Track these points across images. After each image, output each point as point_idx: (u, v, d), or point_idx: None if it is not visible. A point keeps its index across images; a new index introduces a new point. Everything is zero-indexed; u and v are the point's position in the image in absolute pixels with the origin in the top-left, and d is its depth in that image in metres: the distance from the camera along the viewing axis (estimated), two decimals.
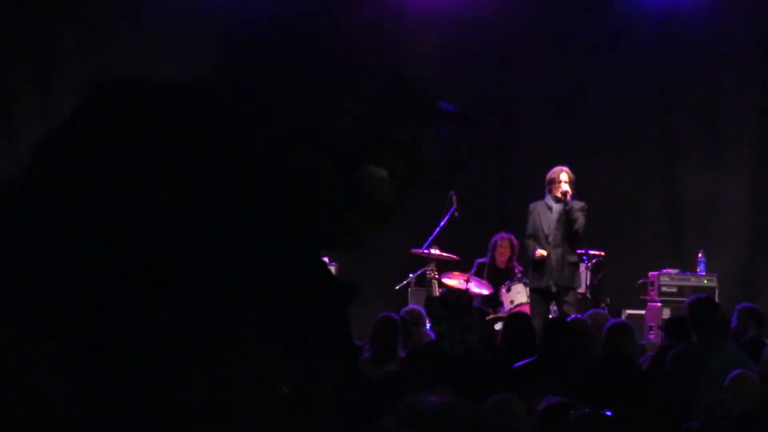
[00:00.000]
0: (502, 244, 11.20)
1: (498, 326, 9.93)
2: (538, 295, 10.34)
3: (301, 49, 1.28)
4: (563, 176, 10.31)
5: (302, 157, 1.26)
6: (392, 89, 1.28)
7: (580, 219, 10.24)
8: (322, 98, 1.26)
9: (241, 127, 1.27)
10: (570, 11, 13.01)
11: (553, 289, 10.19)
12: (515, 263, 11.18)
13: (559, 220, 10.27)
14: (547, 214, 10.41)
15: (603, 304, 10.89)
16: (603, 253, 11.26)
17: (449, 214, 11.44)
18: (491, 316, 10.43)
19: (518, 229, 11.02)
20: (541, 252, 10.29)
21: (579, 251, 10.64)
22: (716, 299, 10.41)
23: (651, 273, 11.25)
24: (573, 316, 8.52)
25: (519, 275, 11.01)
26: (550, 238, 10.33)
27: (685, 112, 13.20)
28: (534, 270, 10.42)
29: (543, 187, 10.51)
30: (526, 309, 10.27)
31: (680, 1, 13.00)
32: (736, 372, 6.16)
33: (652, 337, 10.42)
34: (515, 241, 11.07)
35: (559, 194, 10.23)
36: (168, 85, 1.31)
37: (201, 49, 10.18)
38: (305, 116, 1.26)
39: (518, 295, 10.83)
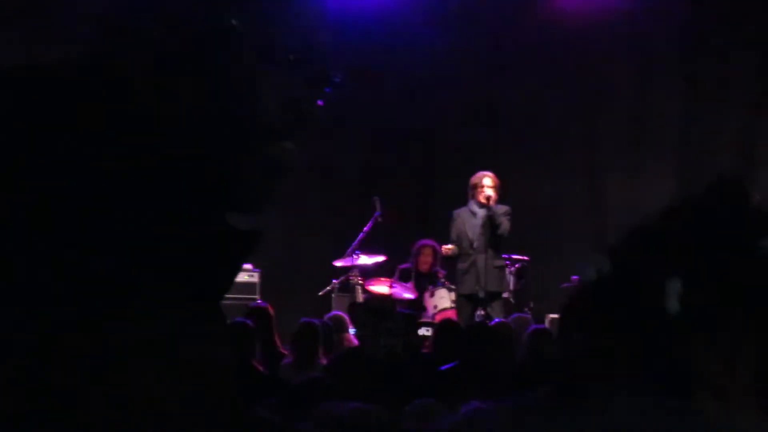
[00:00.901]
0: (425, 251, 11.23)
1: (422, 331, 9.94)
2: (464, 300, 10.39)
3: (216, 23, 1.28)
4: (486, 181, 10.37)
5: (220, 138, 1.28)
6: (303, 60, 1.31)
7: (505, 223, 10.30)
8: (243, 79, 1.28)
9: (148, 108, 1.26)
10: (494, 17, 13.07)
11: (481, 295, 10.23)
12: (438, 268, 11.21)
13: (483, 225, 10.31)
14: (471, 220, 10.46)
15: (527, 309, 10.95)
16: (527, 258, 11.32)
17: (373, 219, 11.46)
18: (417, 321, 10.44)
19: (442, 235, 11.06)
20: (447, 247, 10.38)
21: (503, 255, 10.70)
22: None
23: (574, 277, 11.32)
24: (496, 320, 8.55)
25: (442, 280, 11.03)
26: (476, 244, 10.38)
27: (608, 116, 13.33)
28: (461, 275, 10.47)
29: (466, 192, 10.56)
30: (450, 314, 10.30)
31: (603, 7, 13.10)
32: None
33: None
34: (438, 247, 11.10)
35: (482, 199, 10.28)
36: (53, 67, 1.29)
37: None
38: (225, 98, 1.28)
39: (442, 299, 10.86)
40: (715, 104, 13.19)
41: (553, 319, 11.16)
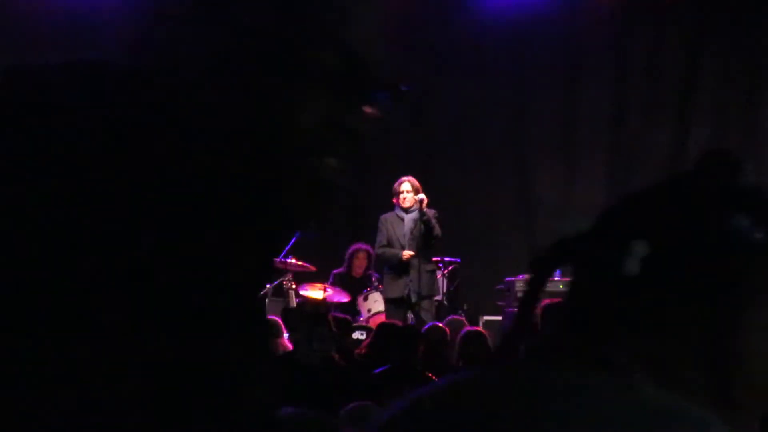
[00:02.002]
0: (359, 255, 11.27)
1: (356, 335, 9.99)
2: (394, 306, 10.45)
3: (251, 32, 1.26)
4: (405, 186, 10.44)
5: (257, 150, 1.26)
6: (343, 70, 1.28)
7: (437, 227, 10.38)
8: (276, 88, 1.26)
9: (179, 117, 1.24)
10: (421, 15, 13.12)
11: (413, 299, 10.30)
12: (372, 272, 11.26)
13: (413, 229, 10.39)
14: (399, 224, 10.54)
15: (460, 311, 11.04)
16: (459, 260, 11.40)
17: None
18: (350, 325, 10.48)
19: (373, 239, 11.12)
20: (407, 252, 10.42)
21: (435, 258, 10.79)
22: None
23: (507, 279, 11.42)
24: (430, 323, 8.62)
25: (376, 284, 11.09)
26: (406, 248, 10.45)
27: (539, 116, 13.43)
28: (391, 279, 10.53)
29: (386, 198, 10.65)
30: (384, 317, 10.35)
31: (534, 4, 13.20)
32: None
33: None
34: (372, 251, 11.15)
35: (405, 205, 10.37)
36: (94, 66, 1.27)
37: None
38: (260, 108, 1.25)
39: (375, 303, 10.91)
40: (644, 105, 13.38)
41: (487, 320, 11.27)
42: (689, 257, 1.20)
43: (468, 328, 7.81)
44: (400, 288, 10.44)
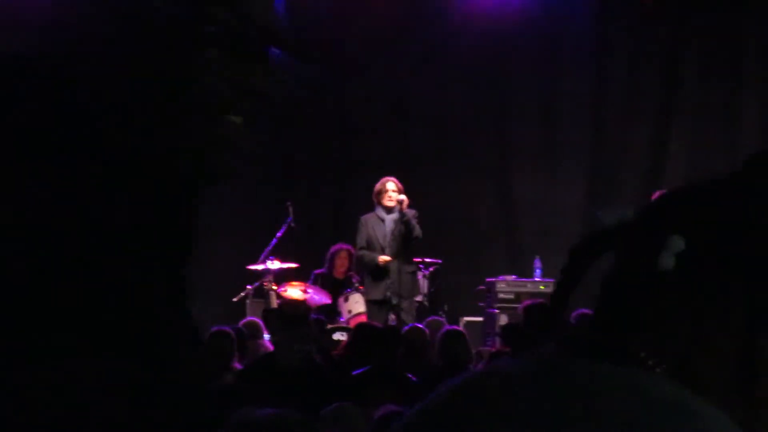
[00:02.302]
0: (341, 255, 11.28)
1: (337, 336, 10.01)
2: (376, 307, 10.48)
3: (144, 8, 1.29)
4: (390, 185, 10.48)
5: (167, 114, 1.28)
6: (240, 30, 1.32)
7: (417, 227, 10.42)
8: (184, 54, 1.28)
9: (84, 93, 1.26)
10: (402, 14, 13.12)
11: (394, 301, 10.34)
12: (353, 273, 11.28)
13: (395, 231, 10.42)
14: (380, 225, 10.57)
15: (441, 312, 11.07)
16: (440, 261, 11.43)
17: (286, 224, 11.49)
18: (330, 326, 10.50)
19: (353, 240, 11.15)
20: (384, 258, 10.45)
21: (416, 259, 10.82)
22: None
23: (488, 279, 11.46)
24: (411, 324, 8.65)
25: (357, 285, 11.12)
26: (387, 250, 10.49)
27: (519, 117, 13.46)
28: (372, 281, 10.56)
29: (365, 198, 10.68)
30: (365, 318, 10.38)
31: (514, 6, 13.23)
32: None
33: (489, 344, 10.63)
34: (353, 252, 11.18)
35: (390, 204, 10.39)
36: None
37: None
38: (167, 75, 1.28)
39: (356, 304, 10.94)
40: (625, 105, 13.43)
41: (467, 321, 11.31)
42: (725, 255, 1.17)
43: (447, 327, 7.84)
44: (381, 290, 10.47)
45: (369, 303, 10.65)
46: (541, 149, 13.41)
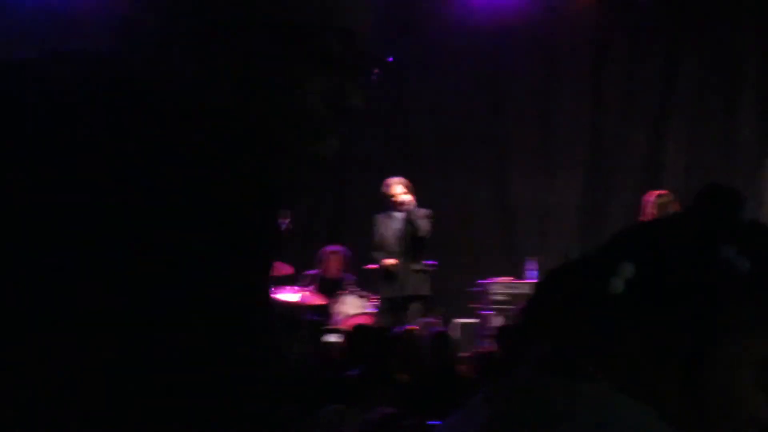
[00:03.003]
0: (334, 257, 11.35)
1: (330, 338, 10.08)
2: (387, 305, 10.63)
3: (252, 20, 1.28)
4: (398, 189, 10.60)
5: (262, 134, 1.30)
6: (342, 51, 1.33)
7: (425, 226, 10.56)
8: (280, 70, 1.29)
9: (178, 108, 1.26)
10: (401, 16, 13.13)
11: (401, 300, 10.48)
12: (346, 274, 11.37)
13: (402, 229, 10.56)
14: (390, 224, 10.72)
15: (437, 314, 11.11)
16: (436, 262, 11.49)
17: (283, 226, 11.55)
18: (323, 328, 10.57)
19: (352, 241, 11.22)
20: (388, 261, 10.58)
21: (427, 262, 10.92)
22: None
23: (480, 281, 11.51)
24: (404, 326, 8.72)
25: (351, 286, 11.21)
26: (396, 248, 10.62)
27: (517, 118, 13.51)
28: (383, 280, 10.69)
29: (377, 197, 10.76)
30: (359, 320, 10.46)
31: (511, 7, 13.24)
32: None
33: (484, 345, 10.68)
34: (346, 253, 11.27)
35: (404, 202, 10.53)
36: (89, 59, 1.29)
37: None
38: (269, 94, 1.29)
39: (350, 306, 11.02)
40: (622, 108, 13.48)
41: (461, 323, 11.38)
42: (671, 282, 1.28)
43: (435, 329, 7.92)
44: (391, 288, 10.60)
45: (382, 300, 10.79)
46: (537, 150, 13.44)
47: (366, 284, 11.45)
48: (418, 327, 8.83)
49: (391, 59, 1.47)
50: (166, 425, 1.20)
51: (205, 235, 1.24)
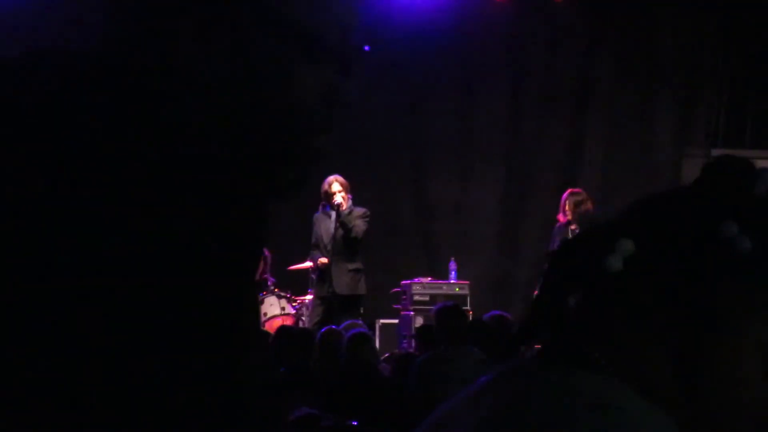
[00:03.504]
0: None
1: None
2: (319, 302, 10.69)
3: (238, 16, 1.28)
4: (335, 186, 10.66)
5: (259, 130, 1.30)
6: (340, 47, 1.36)
7: (359, 225, 10.64)
8: (278, 67, 1.29)
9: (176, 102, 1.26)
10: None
11: (334, 299, 10.52)
12: (268, 275, 11.40)
13: (336, 228, 10.62)
14: (326, 223, 10.82)
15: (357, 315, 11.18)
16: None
17: None
18: None
19: (276, 241, 11.24)
20: (322, 260, 10.65)
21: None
22: (468, 307, 10.90)
23: (404, 282, 11.59)
24: (326, 327, 8.78)
25: (272, 287, 11.24)
26: (329, 247, 10.68)
27: (435, 119, 13.59)
28: (317, 278, 10.75)
29: (312, 198, 10.81)
30: (280, 321, 10.50)
31: (427, 6, 13.31)
32: (482, 379, 6.48)
33: (405, 345, 10.78)
34: (267, 254, 11.30)
35: (334, 203, 10.59)
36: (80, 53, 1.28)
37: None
38: (261, 88, 1.29)
39: (271, 307, 11.06)
40: (540, 105, 13.63)
41: (383, 324, 11.46)
42: (669, 261, 1.21)
43: (353, 330, 7.98)
44: (324, 287, 10.65)
45: (315, 299, 10.84)
46: (456, 150, 13.54)
47: (290, 285, 11.50)
48: (339, 328, 8.88)
49: (368, 48, 1.48)
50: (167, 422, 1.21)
51: (200, 228, 1.25)
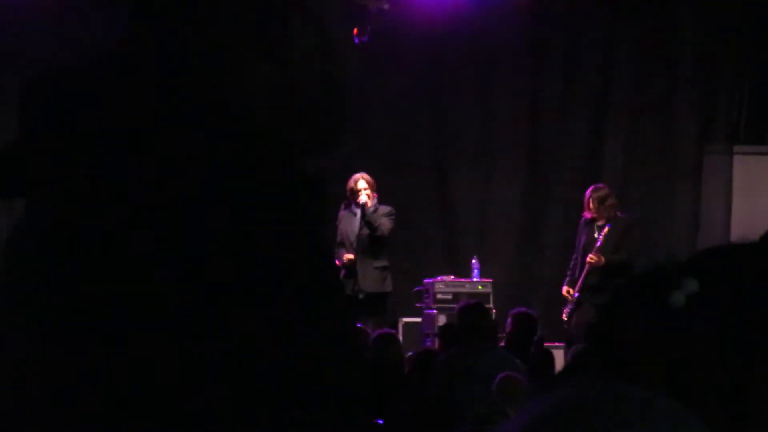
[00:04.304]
0: None
1: None
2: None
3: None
4: (361, 184, 10.77)
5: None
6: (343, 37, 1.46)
7: (385, 224, 10.74)
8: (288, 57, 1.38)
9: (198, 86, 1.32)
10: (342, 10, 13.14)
11: (361, 296, 10.60)
12: None
13: (361, 226, 10.72)
14: (351, 221, 10.90)
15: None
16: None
17: None
18: None
19: None
20: (348, 256, 10.73)
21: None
22: (491, 305, 10.99)
23: (426, 280, 11.64)
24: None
25: None
26: (355, 245, 10.78)
27: (457, 116, 13.65)
28: (343, 276, 10.84)
29: (338, 196, 10.92)
30: None
31: (448, 5, 13.30)
32: (501, 375, 6.61)
33: (428, 344, 10.84)
34: None
35: (360, 202, 10.69)
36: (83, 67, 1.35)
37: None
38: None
39: None
40: (560, 104, 13.66)
41: (406, 323, 11.52)
42: (733, 302, 1.30)
43: (379, 330, 8.05)
44: (349, 284, 10.72)
45: None
46: (478, 149, 13.56)
47: None
48: (364, 327, 8.96)
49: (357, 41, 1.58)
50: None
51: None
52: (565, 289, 10.92)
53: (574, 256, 11.00)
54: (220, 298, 1.26)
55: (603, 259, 10.50)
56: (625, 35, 13.70)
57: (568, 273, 11.04)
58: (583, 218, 10.91)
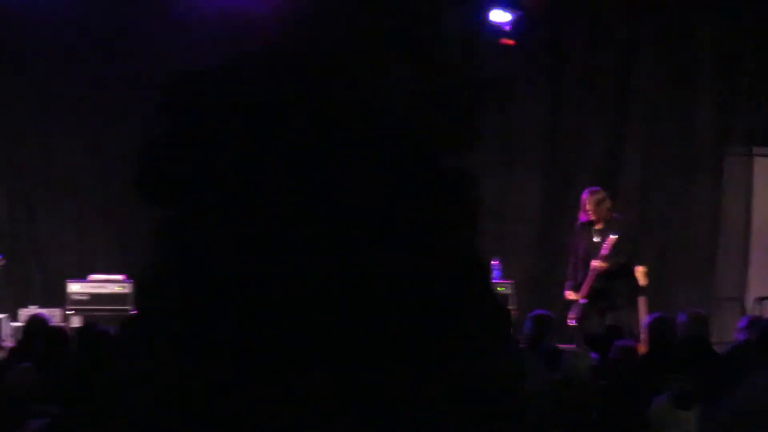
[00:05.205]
0: None
1: None
2: None
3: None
4: None
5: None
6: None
7: None
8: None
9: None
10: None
11: None
12: None
13: None
14: None
15: None
16: None
17: None
18: None
19: None
20: None
21: None
22: (512, 306, 11.10)
23: None
24: None
25: None
26: None
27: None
28: None
29: None
30: None
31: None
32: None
33: None
34: None
35: None
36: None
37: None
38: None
39: None
40: (580, 107, 13.72)
41: None
42: None
43: None
44: None
45: None
46: (497, 152, 13.62)
47: None
48: None
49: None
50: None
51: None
52: (569, 293, 10.96)
53: (572, 260, 11.04)
54: (431, 303, 1.36)
55: (606, 265, 10.60)
56: (645, 37, 13.74)
57: (569, 276, 11.05)
58: (579, 221, 10.96)
